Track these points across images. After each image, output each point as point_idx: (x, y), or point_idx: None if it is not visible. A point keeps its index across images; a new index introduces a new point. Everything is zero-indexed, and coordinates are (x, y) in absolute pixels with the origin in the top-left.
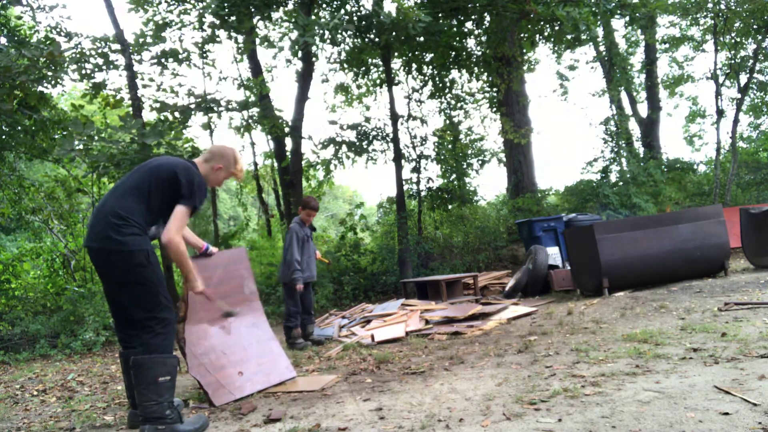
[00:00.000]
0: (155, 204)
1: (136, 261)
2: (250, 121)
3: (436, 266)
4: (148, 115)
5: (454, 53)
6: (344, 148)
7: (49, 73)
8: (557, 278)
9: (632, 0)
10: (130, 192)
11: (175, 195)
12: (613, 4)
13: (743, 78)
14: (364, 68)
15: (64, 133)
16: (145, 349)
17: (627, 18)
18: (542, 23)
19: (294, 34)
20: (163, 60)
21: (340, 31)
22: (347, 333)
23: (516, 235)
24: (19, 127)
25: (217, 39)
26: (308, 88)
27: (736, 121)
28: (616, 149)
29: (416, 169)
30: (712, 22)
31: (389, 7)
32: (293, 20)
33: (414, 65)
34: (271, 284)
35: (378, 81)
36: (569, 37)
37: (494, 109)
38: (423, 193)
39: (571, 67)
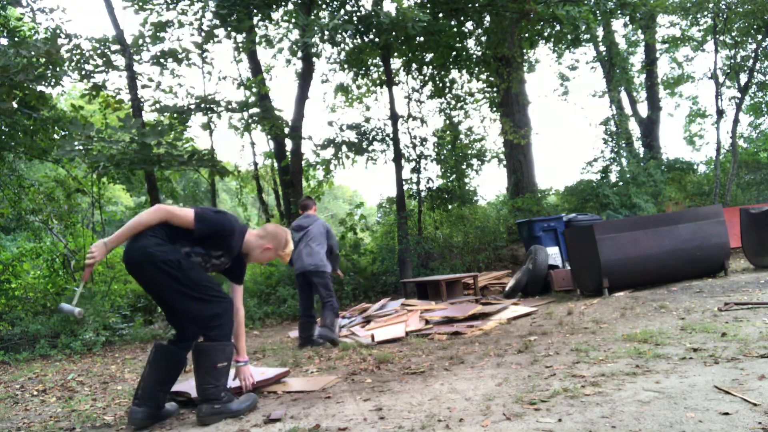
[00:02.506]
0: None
1: None
2: (249, 121)
3: (436, 266)
4: (149, 116)
5: (454, 53)
6: (344, 148)
7: (49, 73)
8: (557, 278)
9: None
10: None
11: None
12: (613, 4)
13: (743, 78)
14: (364, 68)
15: (64, 133)
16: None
17: (627, 18)
18: (542, 23)
19: (294, 34)
20: (162, 60)
21: (339, 32)
22: (347, 333)
23: (516, 235)
24: (19, 127)
25: (216, 39)
26: (308, 88)
27: (736, 121)
28: (616, 149)
29: (416, 169)
30: (712, 22)
31: (389, 7)
32: (293, 20)
33: (414, 65)
34: (270, 284)
35: (378, 81)
36: (569, 37)
37: (494, 109)
38: (423, 193)
39: (572, 67)
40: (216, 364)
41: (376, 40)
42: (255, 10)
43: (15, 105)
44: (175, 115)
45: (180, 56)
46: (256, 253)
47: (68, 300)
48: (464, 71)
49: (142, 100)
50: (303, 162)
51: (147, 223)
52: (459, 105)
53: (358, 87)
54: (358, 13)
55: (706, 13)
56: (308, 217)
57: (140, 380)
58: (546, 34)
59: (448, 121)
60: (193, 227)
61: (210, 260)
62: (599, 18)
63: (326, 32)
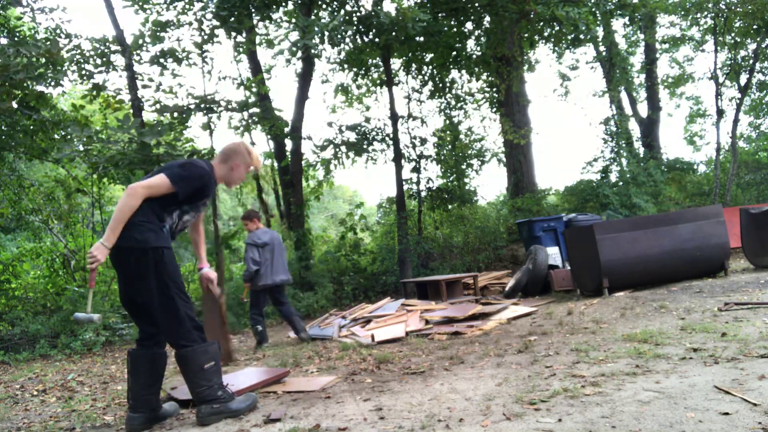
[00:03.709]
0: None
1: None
2: (249, 121)
3: (436, 266)
4: (149, 116)
5: (454, 53)
6: (344, 148)
7: (49, 74)
8: (557, 278)
9: (632, 0)
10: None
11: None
12: (613, 5)
13: (743, 78)
14: (364, 68)
15: (63, 133)
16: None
17: (627, 18)
18: (542, 23)
19: (294, 35)
20: (162, 60)
21: (339, 32)
22: (347, 333)
23: (516, 235)
24: (19, 127)
25: (216, 39)
26: (308, 88)
27: (736, 121)
28: (616, 149)
29: (416, 169)
30: (712, 22)
31: (389, 7)
32: (293, 21)
33: (414, 65)
34: None
35: (378, 81)
36: (569, 37)
37: (494, 109)
38: (423, 193)
39: (573, 67)
40: (203, 366)
41: (376, 40)
42: (255, 11)
43: (15, 105)
44: (175, 115)
45: (180, 56)
46: (230, 178)
47: (79, 308)
48: (464, 71)
49: (142, 100)
50: (303, 162)
51: (132, 208)
52: (459, 105)
53: (358, 87)
54: (358, 14)
55: (706, 13)
56: (266, 232)
57: (127, 390)
58: (546, 34)
59: (448, 121)
60: (174, 190)
61: (199, 209)
62: (599, 19)
63: (326, 33)
